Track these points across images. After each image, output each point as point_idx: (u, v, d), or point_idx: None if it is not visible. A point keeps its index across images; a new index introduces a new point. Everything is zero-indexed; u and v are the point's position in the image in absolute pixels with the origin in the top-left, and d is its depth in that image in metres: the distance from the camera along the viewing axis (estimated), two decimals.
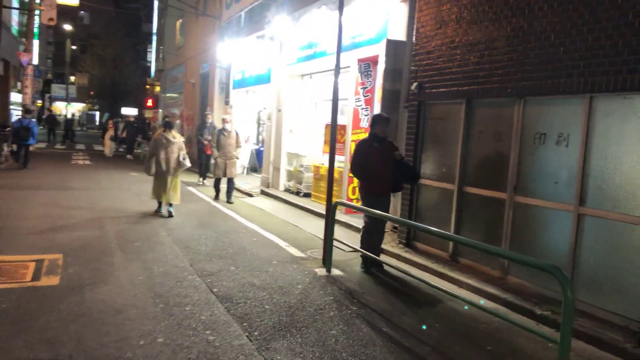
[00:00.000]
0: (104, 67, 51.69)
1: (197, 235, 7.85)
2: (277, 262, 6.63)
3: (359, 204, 9.55)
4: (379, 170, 6.39)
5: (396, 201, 8.44)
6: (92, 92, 57.14)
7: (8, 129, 16.97)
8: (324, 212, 10.21)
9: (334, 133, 6.73)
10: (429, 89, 7.28)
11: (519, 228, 5.90)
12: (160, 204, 9.46)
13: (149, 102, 38.65)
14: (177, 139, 9.48)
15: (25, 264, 5.86)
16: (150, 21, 43.15)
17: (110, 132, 21.79)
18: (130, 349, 3.90)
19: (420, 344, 4.36)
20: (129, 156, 21.65)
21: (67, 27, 43.57)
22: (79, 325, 4.29)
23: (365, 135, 9.88)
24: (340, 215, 9.88)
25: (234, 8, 15.88)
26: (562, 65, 5.29)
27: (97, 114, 56.80)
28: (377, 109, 9.05)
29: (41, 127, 31.50)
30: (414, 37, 7.71)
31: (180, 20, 24.69)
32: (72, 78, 53.23)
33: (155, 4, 35.24)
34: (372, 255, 6.15)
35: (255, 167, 17.01)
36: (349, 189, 9.97)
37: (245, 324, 4.48)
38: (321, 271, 6.31)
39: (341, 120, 12.15)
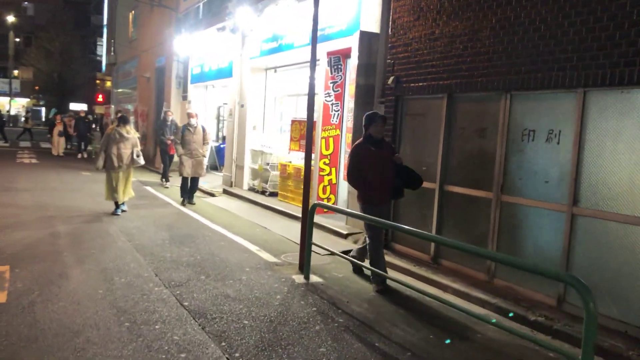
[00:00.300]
0: (51, 60, 49.27)
1: (160, 240, 7.27)
2: (250, 268, 6.16)
3: (331, 204, 9.20)
4: (377, 176, 5.72)
5: None
6: (37, 87, 54.45)
7: None
8: (292, 213, 9.84)
9: (310, 130, 6.30)
10: (407, 83, 6.95)
11: (507, 229, 5.64)
12: (117, 204, 9.08)
13: (99, 98, 37.16)
14: (131, 134, 9.18)
15: None
16: (101, 13, 41.35)
17: (59, 128, 20.62)
18: None
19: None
20: (80, 155, 20.55)
21: (10, 18, 41.27)
22: (31, 353, 3.72)
23: (337, 132, 9.55)
24: None
25: None
26: (554, 59, 5.04)
27: (43, 109, 54.19)
28: (348, 105, 8.67)
29: None
30: (389, 28, 7.36)
31: (133, 12, 23.62)
32: (16, 72, 50.60)
33: None
34: (378, 271, 5.50)
35: (215, 165, 16.37)
36: (320, 188, 9.57)
37: (223, 344, 4.01)
38: (299, 278, 5.88)
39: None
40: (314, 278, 5.91)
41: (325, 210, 9.55)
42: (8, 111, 38.62)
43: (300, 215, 9.48)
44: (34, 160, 17.89)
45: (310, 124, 6.30)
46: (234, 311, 4.70)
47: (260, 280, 5.70)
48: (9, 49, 46.85)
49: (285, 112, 12.72)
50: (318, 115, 9.58)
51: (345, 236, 8.02)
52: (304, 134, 10.38)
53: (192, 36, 15.48)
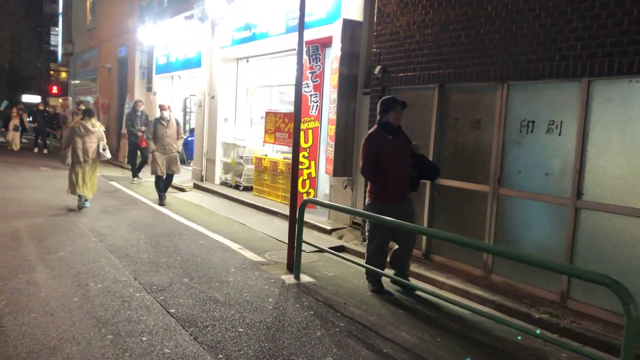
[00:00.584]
0: (1, 50, 46.97)
1: (135, 240, 6.81)
2: (236, 269, 5.80)
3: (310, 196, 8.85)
4: (396, 169, 5.17)
5: (355, 194, 7.84)
6: None
7: None
8: (270, 208, 9.48)
9: (298, 123, 5.96)
10: (395, 73, 6.69)
11: (505, 223, 5.46)
12: (80, 197, 8.76)
13: (54, 89, 35.66)
14: (97, 128, 8.87)
15: None
16: (55, 1, 39.62)
17: (15, 122, 19.55)
18: None
19: None
20: (36, 149, 19.55)
21: None
22: None
23: (316, 125, 9.22)
24: (288, 210, 9.14)
25: None
26: (556, 47, 4.86)
27: None
28: (330, 96, 8.35)
29: None
30: (375, 16, 7.08)
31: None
32: None
33: None
34: (374, 269, 5.08)
35: (182, 158, 15.76)
36: (299, 182, 9.23)
37: (221, 356, 3.66)
38: (289, 278, 5.56)
39: (283, 107, 11.39)
40: (304, 278, 5.60)
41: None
42: None
43: (279, 210, 9.22)
44: None
45: (297, 116, 5.96)
46: (226, 318, 4.35)
47: (249, 282, 5.35)
48: None
49: (259, 104, 12.32)
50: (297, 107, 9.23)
51: (329, 232, 7.73)
52: (280, 126, 10.08)
53: (156, 25, 14.83)
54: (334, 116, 7.81)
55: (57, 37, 40.93)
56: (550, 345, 4.13)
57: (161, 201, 9.70)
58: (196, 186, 12.18)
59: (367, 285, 5.46)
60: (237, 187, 11.46)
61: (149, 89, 16.59)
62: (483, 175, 5.65)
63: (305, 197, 9.26)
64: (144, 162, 12.55)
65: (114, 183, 12.26)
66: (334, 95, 7.81)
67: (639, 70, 4.26)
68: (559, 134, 4.95)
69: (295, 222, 5.85)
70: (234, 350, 3.75)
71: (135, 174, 12.73)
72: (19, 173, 13.23)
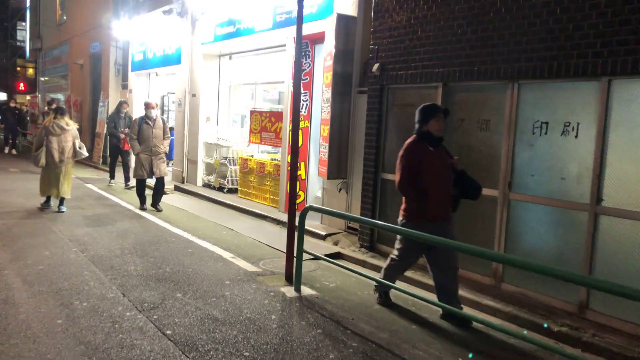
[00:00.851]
0: None
1: (119, 250, 6.36)
2: (231, 281, 5.42)
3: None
4: (437, 185, 4.57)
5: (350, 198, 7.52)
6: None
7: None
8: (258, 211, 9.09)
9: (297, 123, 5.60)
10: (394, 71, 6.38)
11: (516, 230, 5.21)
12: (48, 198, 8.61)
13: (21, 86, 34.43)
14: (70, 126, 8.62)
15: None
16: None
17: None
18: None
19: None
20: (7, 150, 18.70)
21: None
22: None
23: (305, 124, 8.86)
24: (277, 214, 8.79)
25: None
26: (573, 45, 4.60)
27: None
28: (323, 94, 8.00)
29: None
30: (372, 11, 6.75)
31: None
32: None
33: None
34: (385, 281, 4.74)
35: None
36: (288, 185, 8.86)
37: None
38: (289, 291, 5.21)
39: (266, 106, 11.00)
40: (305, 290, 5.26)
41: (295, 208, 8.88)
42: None
43: (268, 214, 8.83)
44: None
45: (296, 115, 5.59)
46: (228, 339, 3.98)
47: (247, 296, 4.98)
48: None
49: (242, 103, 11.90)
50: (286, 106, 8.88)
51: (323, 237, 7.39)
52: (266, 125, 9.69)
53: (132, 20, 14.24)
54: (327, 116, 7.47)
55: (24, 32, 39.51)
56: None
57: (143, 207, 9.15)
58: (177, 188, 11.70)
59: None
60: (221, 189, 11.03)
61: (125, 87, 15.96)
62: (492, 179, 5.38)
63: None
64: (127, 168, 11.70)
65: (90, 186, 11.69)
66: (328, 95, 7.46)
67: None
68: (576, 136, 4.71)
69: (294, 230, 5.52)
70: None
71: (112, 176, 12.08)
72: None
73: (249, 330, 4.17)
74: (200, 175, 11.81)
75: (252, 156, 10.32)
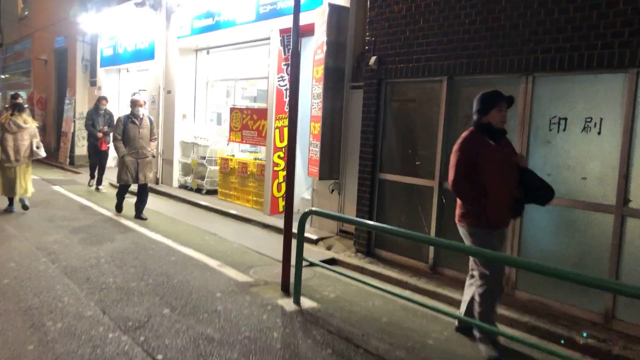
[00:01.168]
0: None
1: (94, 259, 5.78)
2: (222, 293, 4.92)
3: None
4: (500, 185, 3.86)
5: (343, 199, 7.10)
6: None
7: None
8: (241, 214, 8.55)
9: (294, 123, 5.12)
10: (394, 64, 5.97)
11: (532, 232, 4.86)
12: (11, 200, 8.17)
13: None
14: (29, 124, 8.16)
15: None
16: None
17: None
18: None
19: None
20: None
21: None
22: None
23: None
24: (262, 217, 8.29)
25: None
26: (597, 34, 4.27)
27: None
28: (307, 90, 7.55)
29: None
30: (368, 0, 6.33)
31: None
32: None
33: None
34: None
35: None
36: (274, 186, 8.40)
37: None
38: (287, 303, 4.74)
39: (243, 103, 10.48)
40: (305, 302, 4.80)
41: (280, 210, 8.44)
42: None
43: (253, 217, 8.28)
44: None
45: (294, 113, 5.12)
46: None
47: (242, 311, 4.50)
48: None
49: (219, 100, 11.35)
50: (271, 103, 8.39)
51: (315, 241, 6.93)
52: (248, 123, 9.16)
53: (101, 13, 13.50)
54: (318, 113, 7.02)
55: None
56: None
57: (119, 210, 8.48)
58: (151, 190, 11.04)
59: (378, 308, 4.71)
60: (199, 190, 10.45)
61: (93, 84, 15.16)
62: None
63: (281, 202, 8.45)
64: (101, 170, 10.89)
65: (57, 188, 10.94)
66: (319, 90, 7.01)
67: None
68: (599, 133, 4.38)
69: (291, 237, 5.06)
70: None
71: (94, 178, 11.16)
72: None
73: (250, 352, 3.69)
74: (176, 176, 11.20)
75: (233, 156, 9.78)
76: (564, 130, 4.60)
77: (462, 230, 4.03)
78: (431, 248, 5.65)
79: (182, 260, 6.00)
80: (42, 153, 8.23)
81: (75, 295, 4.63)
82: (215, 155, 10.31)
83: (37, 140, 8.16)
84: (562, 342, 4.18)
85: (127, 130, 7.93)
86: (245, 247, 6.83)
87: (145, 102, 8.42)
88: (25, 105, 9.02)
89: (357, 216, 6.41)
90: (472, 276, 4.16)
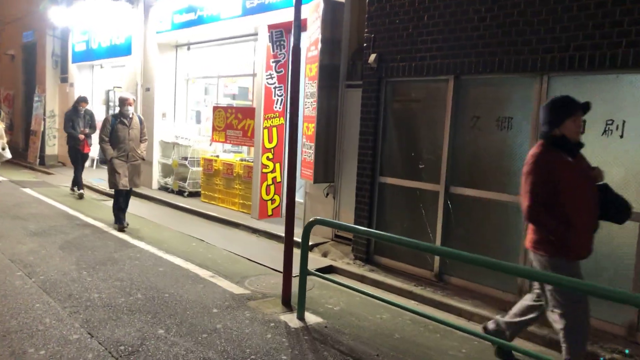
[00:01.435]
0: None
1: (75, 272, 5.33)
2: (218, 309, 4.55)
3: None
4: (583, 207, 3.33)
5: (339, 203, 6.78)
6: None
7: None
8: (227, 218, 8.13)
9: (295, 120, 4.76)
10: (395, 62, 5.68)
11: None
12: None
13: None
14: None
15: None
16: None
17: None
18: None
19: None
20: None
21: None
22: None
23: (281, 122, 8.01)
24: (250, 221, 7.92)
25: None
26: (620, 32, 4.05)
27: None
28: (306, 89, 7.19)
29: None
30: None
31: None
32: None
33: None
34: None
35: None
36: (262, 189, 8.02)
37: None
38: (290, 319, 4.41)
39: (225, 101, 10.07)
40: (309, 318, 4.47)
41: (270, 214, 8.09)
42: None
43: (240, 221, 7.87)
44: None
45: (295, 113, 4.77)
46: None
47: (243, 329, 4.14)
48: None
49: (197, 97, 10.91)
50: (259, 101, 8.02)
51: (310, 248, 6.57)
52: (232, 122, 8.76)
53: (73, 6, 12.88)
54: (312, 112, 6.68)
55: None
56: None
57: (121, 223, 7.34)
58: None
59: (387, 322, 4.41)
60: (180, 192, 10.00)
61: (64, 80, 14.49)
62: (514, 183, 4.78)
63: (270, 205, 8.10)
64: (79, 172, 9.99)
65: (28, 190, 10.33)
66: (313, 89, 6.67)
67: None
68: (621, 136, 4.17)
69: (292, 247, 4.75)
70: None
71: (77, 184, 10.12)
72: None
73: None
74: (156, 178, 10.72)
75: (217, 156, 9.36)
76: (582, 132, 4.36)
77: (537, 258, 3.46)
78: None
79: (171, 270, 5.60)
80: (8, 155, 7.93)
81: (57, 315, 4.19)
82: (198, 155, 9.88)
83: (2, 142, 7.76)
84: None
85: (115, 131, 7.21)
86: (236, 254, 6.46)
87: (135, 100, 7.77)
88: None
89: (355, 221, 6.11)
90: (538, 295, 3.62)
